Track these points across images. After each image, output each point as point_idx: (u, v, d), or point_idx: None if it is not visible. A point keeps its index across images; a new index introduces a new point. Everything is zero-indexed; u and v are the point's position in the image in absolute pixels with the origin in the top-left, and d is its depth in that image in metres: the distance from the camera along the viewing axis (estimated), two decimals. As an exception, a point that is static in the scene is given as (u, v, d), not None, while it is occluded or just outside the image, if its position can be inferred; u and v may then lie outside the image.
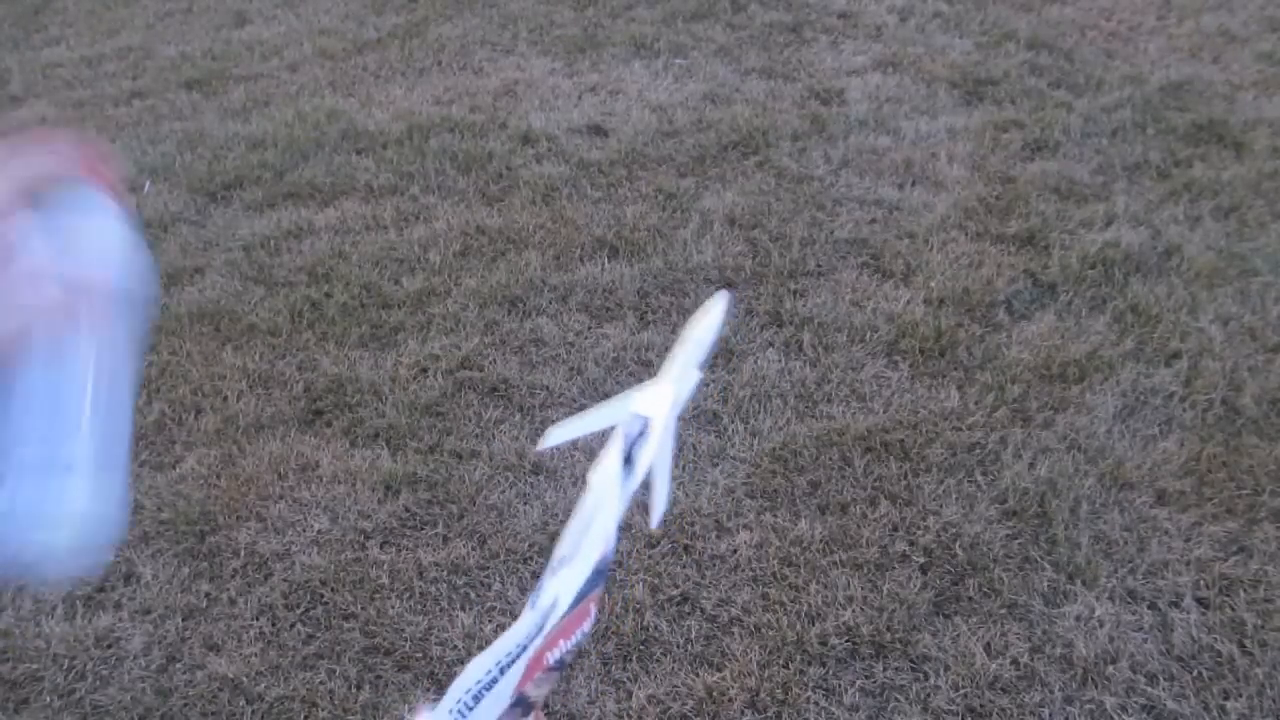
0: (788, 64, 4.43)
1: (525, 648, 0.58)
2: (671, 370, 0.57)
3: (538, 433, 0.67)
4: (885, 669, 1.91)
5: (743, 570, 2.12)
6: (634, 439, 0.55)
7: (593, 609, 0.59)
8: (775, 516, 2.23)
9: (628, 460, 0.55)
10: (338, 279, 3.14)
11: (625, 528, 2.23)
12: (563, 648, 0.58)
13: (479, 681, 0.59)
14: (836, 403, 2.54)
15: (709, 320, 0.61)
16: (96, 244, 0.60)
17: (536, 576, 2.13)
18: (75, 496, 0.55)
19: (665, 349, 2.71)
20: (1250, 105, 3.82)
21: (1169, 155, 3.52)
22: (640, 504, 0.65)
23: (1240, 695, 1.82)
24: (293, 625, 2.07)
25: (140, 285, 0.63)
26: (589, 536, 0.57)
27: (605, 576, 0.55)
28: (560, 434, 0.61)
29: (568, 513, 2.31)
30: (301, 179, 3.76)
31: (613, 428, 0.58)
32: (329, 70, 4.74)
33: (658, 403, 0.55)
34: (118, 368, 0.61)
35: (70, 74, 4.94)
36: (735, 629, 2.00)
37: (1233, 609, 1.97)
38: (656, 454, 0.57)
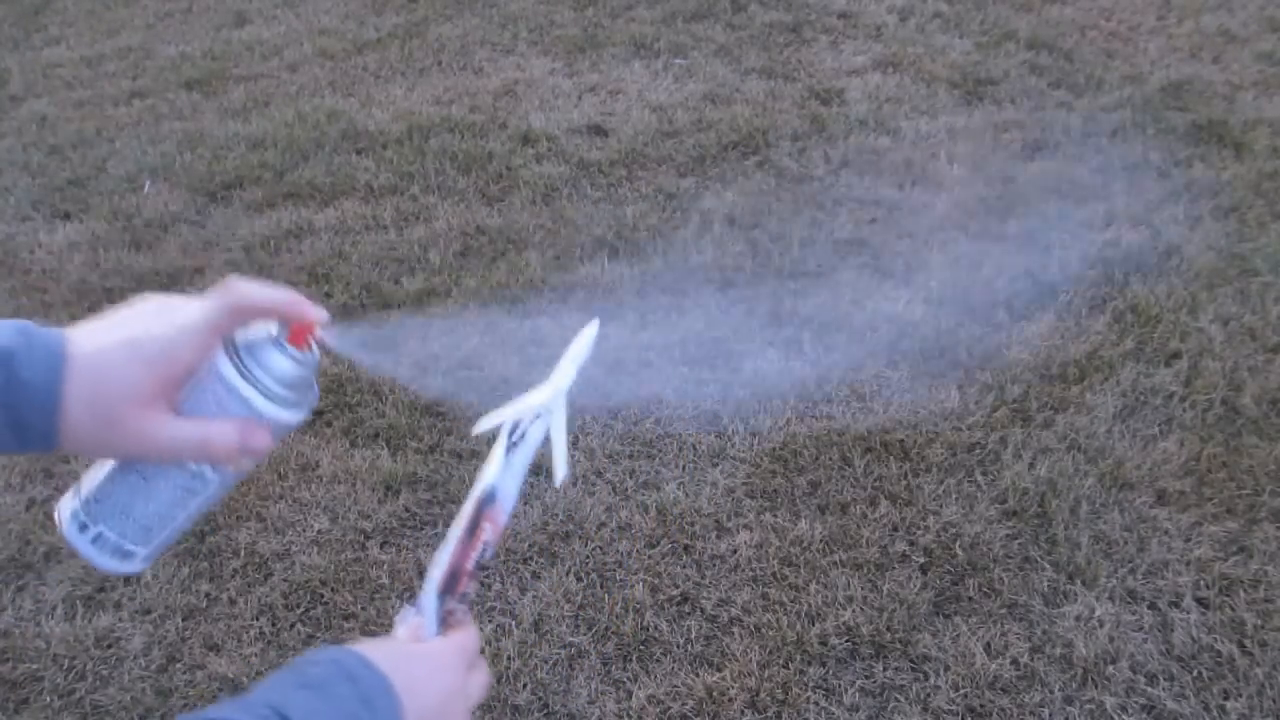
0: (788, 64, 4.43)
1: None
2: (556, 375, 0.77)
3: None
4: (885, 669, 1.91)
5: (743, 570, 2.12)
6: (526, 422, 0.75)
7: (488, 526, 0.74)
8: (775, 516, 2.23)
9: (517, 441, 0.74)
10: (338, 279, 3.14)
11: (625, 527, 2.23)
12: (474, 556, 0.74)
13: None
14: (836, 403, 2.54)
15: (583, 341, 0.78)
16: (267, 403, 0.66)
17: (536, 577, 2.13)
18: (117, 569, 0.69)
19: (665, 349, 2.71)
20: (1250, 105, 3.82)
21: (1169, 155, 3.52)
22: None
23: (1240, 695, 1.82)
24: (293, 625, 2.07)
25: (293, 428, 0.69)
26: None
27: (489, 502, 0.73)
28: (488, 422, 0.76)
29: (568, 513, 2.31)
30: (301, 179, 3.76)
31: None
32: (329, 70, 4.74)
33: (549, 393, 0.76)
34: (218, 496, 0.70)
35: (70, 74, 4.94)
36: (735, 629, 2.00)
37: (1233, 609, 1.97)
38: (554, 432, 0.75)
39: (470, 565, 0.74)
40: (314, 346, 0.68)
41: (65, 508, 0.67)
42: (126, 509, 0.67)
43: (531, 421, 0.75)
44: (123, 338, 0.63)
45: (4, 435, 0.61)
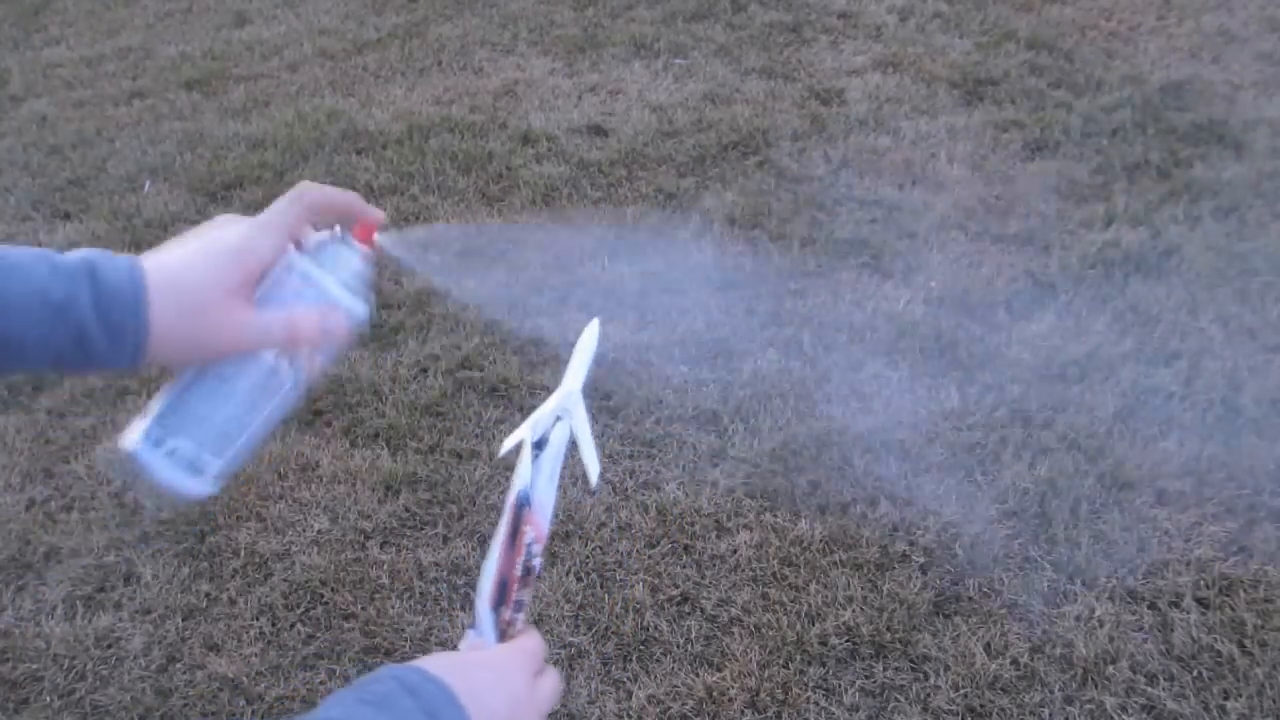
0: (788, 64, 4.43)
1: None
2: (568, 378, 0.78)
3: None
4: (885, 669, 1.91)
5: (743, 570, 2.12)
6: (547, 426, 0.76)
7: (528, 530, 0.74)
8: (775, 516, 2.23)
9: (542, 444, 0.75)
10: (338, 279, 3.14)
11: (625, 527, 2.23)
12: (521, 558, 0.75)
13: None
14: (836, 403, 2.54)
15: (588, 341, 0.80)
16: (342, 291, 0.69)
17: (537, 577, 2.13)
18: (189, 488, 0.68)
19: (665, 349, 2.71)
20: (1250, 105, 3.82)
21: (1169, 155, 3.52)
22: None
23: (1240, 695, 1.82)
24: (293, 625, 2.07)
25: (358, 326, 0.71)
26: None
27: (525, 506, 0.74)
28: (511, 440, 0.77)
29: (568, 513, 2.31)
30: (301, 179, 3.75)
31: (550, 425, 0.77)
32: (329, 70, 4.74)
33: (566, 397, 0.77)
34: (293, 400, 0.70)
35: (70, 74, 4.94)
36: (735, 629, 2.00)
37: (1233, 609, 1.97)
38: (577, 431, 0.76)
39: (517, 571, 0.74)
40: (375, 244, 0.72)
41: (134, 431, 0.67)
42: (205, 415, 0.67)
43: (552, 425, 0.76)
44: (200, 245, 0.66)
45: (99, 343, 0.62)
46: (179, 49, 5.16)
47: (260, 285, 0.67)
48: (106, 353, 0.62)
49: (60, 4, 5.98)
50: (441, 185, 3.65)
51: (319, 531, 2.27)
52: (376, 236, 0.72)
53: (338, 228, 0.71)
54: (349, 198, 0.71)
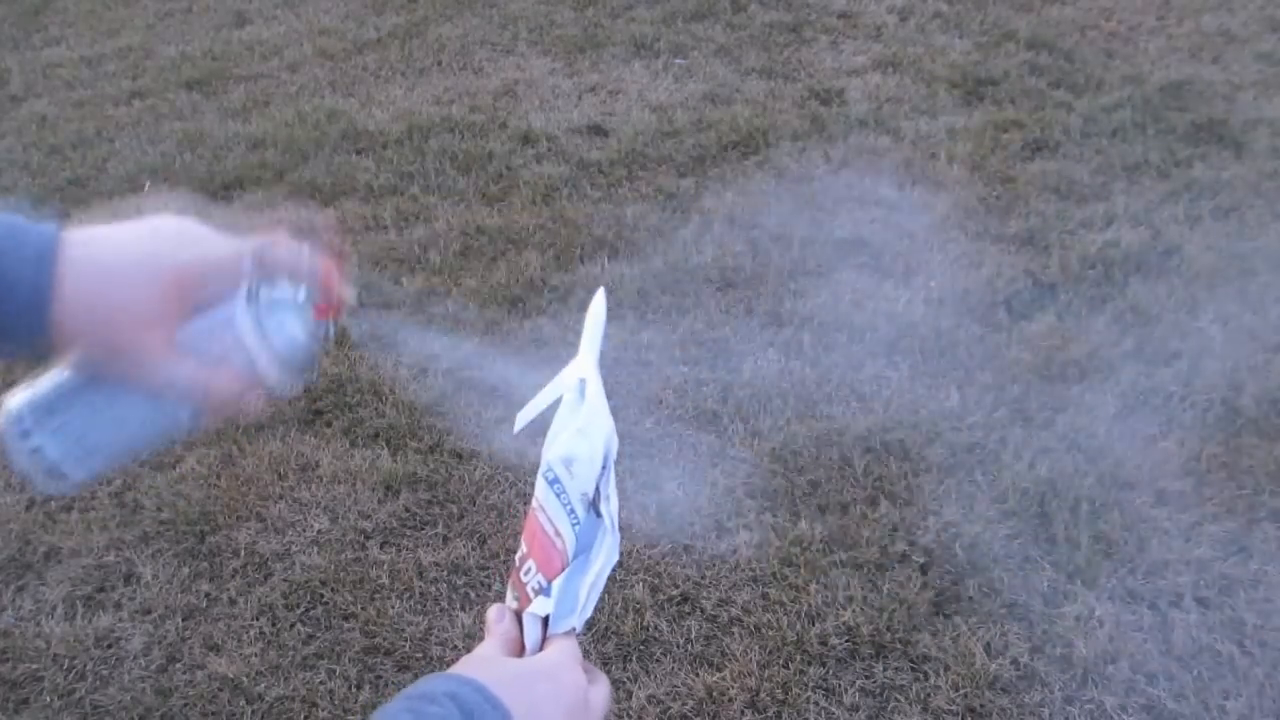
0: (788, 64, 4.43)
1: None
2: (584, 349, 0.77)
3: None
4: (885, 669, 1.91)
5: (743, 570, 2.12)
6: (574, 393, 0.75)
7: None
8: (775, 516, 2.23)
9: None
10: (338, 279, 3.14)
11: (625, 527, 2.23)
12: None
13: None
14: (836, 403, 2.54)
15: (597, 311, 0.80)
16: (274, 362, 0.63)
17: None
18: (44, 486, 0.62)
19: (665, 348, 2.71)
20: (1250, 105, 3.82)
21: (1169, 155, 3.52)
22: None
23: (1240, 695, 1.82)
24: (293, 625, 2.07)
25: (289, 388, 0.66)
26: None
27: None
28: (527, 414, 0.75)
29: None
30: (301, 179, 3.76)
31: (561, 397, 0.76)
32: (329, 70, 4.74)
33: (585, 366, 0.76)
34: (176, 435, 0.65)
35: (70, 74, 4.94)
36: (735, 629, 2.00)
37: (1233, 609, 1.97)
38: (597, 396, 0.76)
39: (557, 545, 0.72)
40: (335, 320, 0.65)
41: (11, 401, 0.61)
42: (81, 431, 0.62)
43: (581, 390, 0.75)
44: (143, 252, 0.59)
45: None
46: (179, 49, 5.15)
47: (189, 323, 0.61)
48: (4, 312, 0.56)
49: (60, 4, 5.98)
50: (441, 185, 3.65)
51: (319, 531, 2.27)
52: (342, 316, 0.65)
53: (303, 289, 0.64)
54: (317, 270, 0.63)
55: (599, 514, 0.73)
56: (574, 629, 0.71)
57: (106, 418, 0.62)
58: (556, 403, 0.77)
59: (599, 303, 0.80)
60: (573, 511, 0.71)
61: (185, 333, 0.61)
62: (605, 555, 0.73)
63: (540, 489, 0.72)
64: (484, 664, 0.65)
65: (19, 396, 0.62)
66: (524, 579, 0.72)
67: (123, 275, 0.58)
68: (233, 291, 0.62)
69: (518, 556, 0.73)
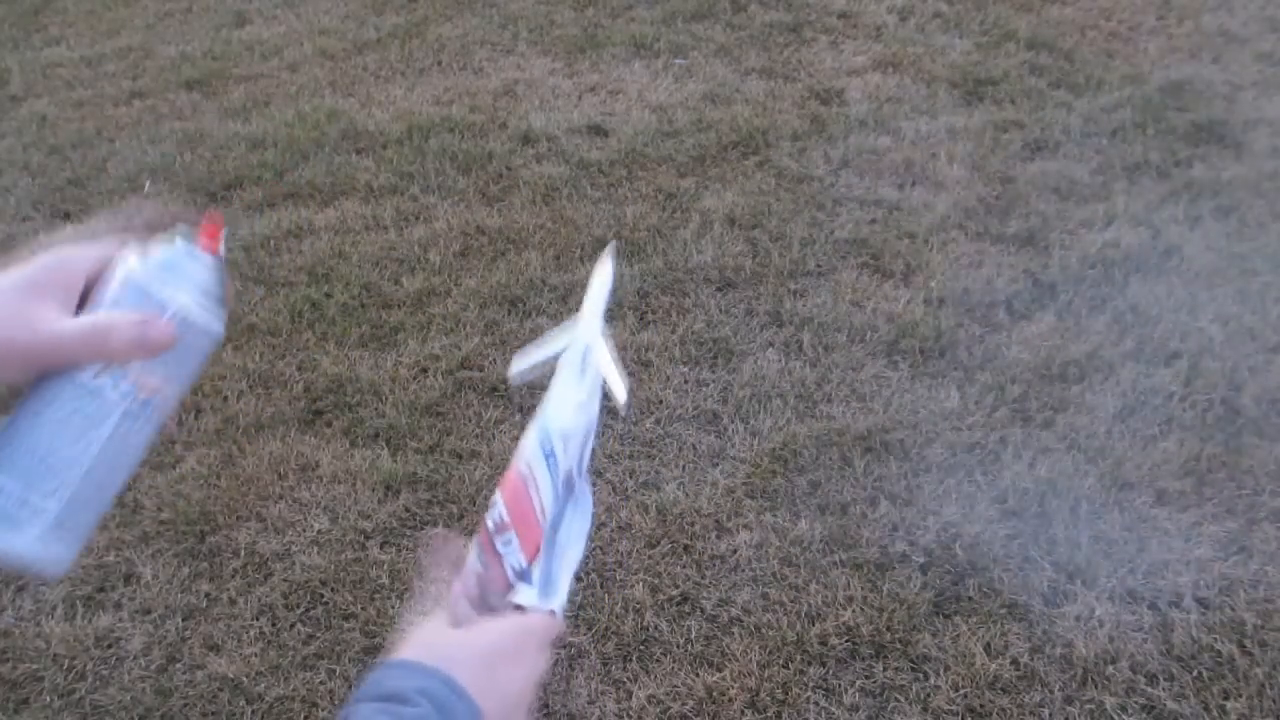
0: (788, 64, 4.43)
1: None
2: (588, 310, 0.75)
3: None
4: (885, 669, 1.91)
5: (743, 570, 2.12)
6: (577, 354, 0.73)
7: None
8: (775, 516, 2.23)
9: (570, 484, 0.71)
10: (338, 279, 3.14)
11: (625, 527, 2.23)
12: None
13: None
14: (836, 403, 2.54)
15: (604, 270, 0.78)
16: (179, 292, 0.61)
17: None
18: (23, 542, 0.57)
19: (665, 349, 2.71)
20: (1250, 105, 3.82)
21: (1169, 155, 3.52)
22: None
23: (1240, 695, 1.82)
24: (293, 625, 2.07)
25: (209, 344, 0.64)
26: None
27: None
28: (523, 364, 0.74)
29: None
30: (301, 179, 3.76)
31: (562, 350, 0.75)
32: (329, 70, 4.74)
33: (589, 325, 0.74)
34: (138, 434, 0.62)
35: (70, 74, 4.94)
36: (735, 629, 2.00)
37: (1233, 609, 1.97)
38: (601, 359, 0.73)
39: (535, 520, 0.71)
40: (220, 247, 0.64)
41: None
42: (28, 449, 0.58)
43: (584, 354, 0.73)
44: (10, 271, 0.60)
45: None
46: (179, 49, 5.15)
47: (89, 304, 0.60)
48: None
49: (60, 4, 5.98)
50: (441, 185, 3.65)
51: (319, 531, 2.27)
52: (222, 238, 0.64)
53: (178, 238, 0.63)
54: (180, 213, 0.64)
55: (571, 490, 0.72)
56: (553, 611, 0.70)
57: (40, 428, 0.59)
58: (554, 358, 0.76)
59: (607, 261, 0.78)
60: (557, 489, 0.71)
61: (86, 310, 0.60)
62: (576, 535, 0.72)
63: (535, 459, 0.71)
64: (446, 646, 0.65)
65: None
66: (500, 550, 0.70)
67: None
68: (110, 256, 0.62)
69: (491, 521, 0.71)
